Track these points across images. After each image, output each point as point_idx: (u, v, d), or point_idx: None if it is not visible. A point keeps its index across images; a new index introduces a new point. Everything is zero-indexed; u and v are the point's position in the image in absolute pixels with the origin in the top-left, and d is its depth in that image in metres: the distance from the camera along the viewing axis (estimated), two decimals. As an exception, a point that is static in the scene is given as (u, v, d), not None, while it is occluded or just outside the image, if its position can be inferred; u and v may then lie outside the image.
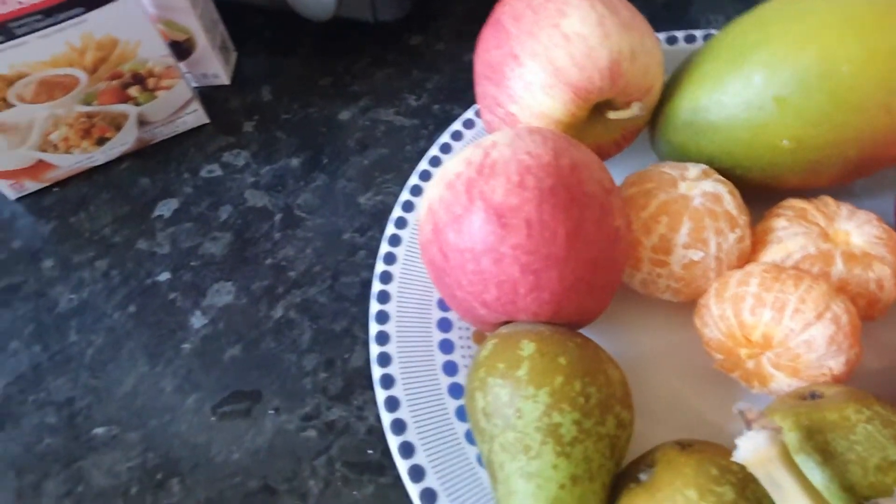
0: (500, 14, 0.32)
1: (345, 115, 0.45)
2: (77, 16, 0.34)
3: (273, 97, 0.46)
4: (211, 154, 0.43)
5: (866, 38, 0.29)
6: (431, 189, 0.29)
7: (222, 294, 0.38)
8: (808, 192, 0.33)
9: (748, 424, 0.24)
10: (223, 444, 0.33)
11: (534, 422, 0.25)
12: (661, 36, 0.41)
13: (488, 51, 0.32)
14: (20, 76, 0.35)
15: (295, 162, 0.43)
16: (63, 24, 0.34)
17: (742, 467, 0.24)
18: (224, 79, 0.45)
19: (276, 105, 0.45)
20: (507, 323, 0.29)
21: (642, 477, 0.26)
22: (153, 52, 0.38)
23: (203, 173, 0.42)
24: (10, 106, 0.36)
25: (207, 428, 0.34)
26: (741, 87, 0.31)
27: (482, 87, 0.33)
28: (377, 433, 0.33)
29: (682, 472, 0.25)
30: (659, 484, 0.25)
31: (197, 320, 0.37)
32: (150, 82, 0.39)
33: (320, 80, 0.46)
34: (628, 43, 0.30)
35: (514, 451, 0.25)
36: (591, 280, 0.28)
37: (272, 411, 0.34)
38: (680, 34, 0.41)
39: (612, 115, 0.31)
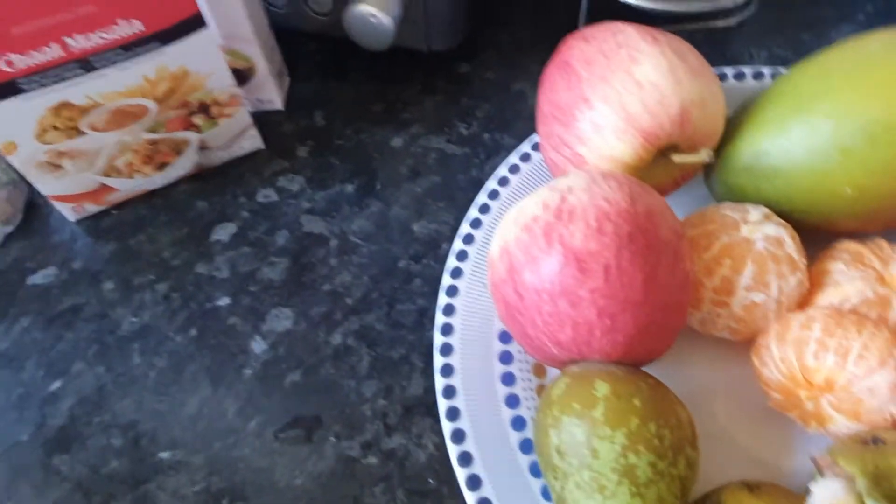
0: (569, 57, 0.33)
1: (397, 142, 0.45)
2: (154, 49, 0.34)
3: (326, 122, 0.46)
4: (266, 179, 0.44)
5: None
6: (506, 229, 0.30)
7: (281, 319, 0.39)
8: (860, 234, 0.34)
9: (821, 471, 0.25)
10: (286, 468, 0.34)
11: (610, 462, 0.26)
12: (712, 74, 0.42)
13: (557, 92, 0.33)
14: (94, 106, 0.36)
15: (349, 188, 0.43)
16: (141, 58, 0.34)
17: (813, 512, 0.25)
18: (278, 104, 0.46)
19: (329, 130, 0.46)
20: (575, 361, 0.30)
21: (712, 517, 0.27)
22: (221, 82, 0.38)
23: (259, 198, 0.43)
24: (81, 134, 0.37)
25: (270, 452, 0.35)
26: (805, 135, 0.32)
27: (548, 126, 0.34)
28: (437, 462, 0.34)
29: (754, 514, 0.26)
30: (730, 525, 0.26)
31: (257, 345, 0.38)
32: (214, 111, 0.40)
33: (372, 106, 0.47)
34: (698, 90, 0.31)
35: (589, 490, 0.26)
36: (662, 323, 0.29)
37: (333, 437, 0.35)
38: (729, 71, 0.42)
39: (678, 158, 0.32)
